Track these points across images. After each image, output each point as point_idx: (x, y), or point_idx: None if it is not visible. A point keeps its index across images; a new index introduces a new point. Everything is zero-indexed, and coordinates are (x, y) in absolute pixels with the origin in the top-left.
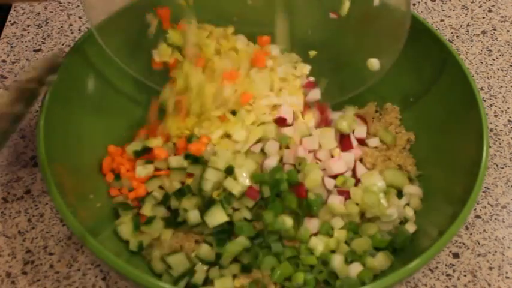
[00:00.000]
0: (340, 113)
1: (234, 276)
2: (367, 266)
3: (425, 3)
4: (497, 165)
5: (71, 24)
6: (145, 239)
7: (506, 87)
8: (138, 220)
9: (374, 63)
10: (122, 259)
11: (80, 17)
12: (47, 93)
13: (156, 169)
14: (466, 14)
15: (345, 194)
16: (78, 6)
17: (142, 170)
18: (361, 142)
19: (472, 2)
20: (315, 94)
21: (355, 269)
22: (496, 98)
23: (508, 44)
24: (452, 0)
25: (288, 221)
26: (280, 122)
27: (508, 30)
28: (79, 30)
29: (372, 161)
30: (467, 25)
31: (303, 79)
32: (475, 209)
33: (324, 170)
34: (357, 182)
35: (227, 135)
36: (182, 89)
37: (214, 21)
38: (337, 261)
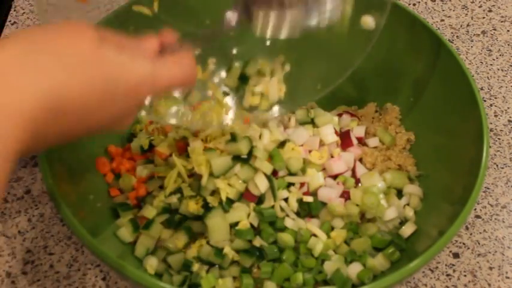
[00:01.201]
0: (334, 112)
1: (234, 278)
2: (367, 266)
3: (426, 3)
4: (497, 165)
5: None
6: (149, 244)
7: (506, 87)
8: (137, 223)
9: (368, 20)
10: (122, 259)
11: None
12: None
13: None
14: (466, 14)
15: (345, 195)
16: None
17: (143, 170)
18: (360, 141)
19: (472, 2)
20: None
21: (355, 269)
22: (496, 98)
23: (508, 44)
24: (452, 0)
25: (287, 238)
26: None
27: (508, 30)
28: None
29: (371, 160)
30: (467, 25)
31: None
32: (475, 209)
33: (324, 169)
34: (357, 182)
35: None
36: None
37: (186, 24)
38: (330, 267)
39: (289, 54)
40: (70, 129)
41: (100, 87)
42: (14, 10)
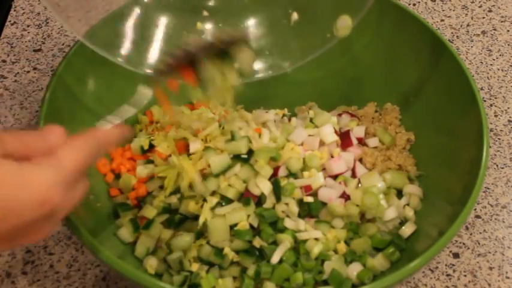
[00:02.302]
0: (334, 112)
1: (234, 278)
2: (367, 266)
3: (426, 3)
4: (497, 165)
5: None
6: (149, 244)
7: (506, 87)
8: (137, 223)
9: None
10: (122, 259)
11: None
12: (47, 93)
13: None
14: (466, 14)
15: (345, 195)
16: None
17: (143, 170)
18: (360, 141)
19: (472, 2)
20: None
21: (355, 269)
22: (496, 98)
23: (508, 44)
24: (452, 0)
25: (286, 238)
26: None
27: (508, 30)
28: None
29: (371, 161)
30: (467, 25)
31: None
32: (475, 209)
33: (324, 169)
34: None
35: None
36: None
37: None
38: (330, 267)
39: (295, 2)
40: None
41: None
42: (14, 10)
